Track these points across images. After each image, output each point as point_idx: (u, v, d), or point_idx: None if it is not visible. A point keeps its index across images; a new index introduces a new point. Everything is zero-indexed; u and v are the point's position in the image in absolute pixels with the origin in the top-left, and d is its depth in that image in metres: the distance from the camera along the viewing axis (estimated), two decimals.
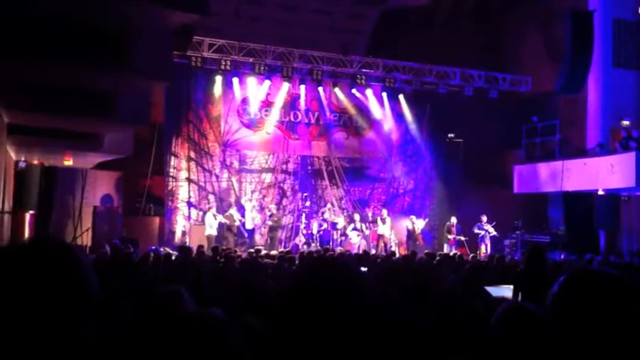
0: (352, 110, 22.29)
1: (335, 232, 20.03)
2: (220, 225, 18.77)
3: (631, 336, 1.56)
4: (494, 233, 19.94)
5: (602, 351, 1.56)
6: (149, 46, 8.63)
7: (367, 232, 20.50)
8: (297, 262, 10.79)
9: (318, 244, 19.42)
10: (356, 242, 19.83)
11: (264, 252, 14.29)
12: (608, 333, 1.57)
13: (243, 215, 19.59)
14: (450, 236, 20.28)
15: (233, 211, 19.33)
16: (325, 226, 19.98)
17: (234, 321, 2.01)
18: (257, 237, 19.81)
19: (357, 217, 20.55)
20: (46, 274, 1.62)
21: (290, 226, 21.08)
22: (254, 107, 21.01)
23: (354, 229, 20.09)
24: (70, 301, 1.62)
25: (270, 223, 19.67)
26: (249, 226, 19.54)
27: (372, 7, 21.57)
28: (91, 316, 1.66)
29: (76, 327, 1.62)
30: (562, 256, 16.06)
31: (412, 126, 22.66)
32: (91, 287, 1.68)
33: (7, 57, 8.08)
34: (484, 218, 19.94)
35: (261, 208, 20.45)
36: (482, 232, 19.83)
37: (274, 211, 19.91)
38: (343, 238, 20.02)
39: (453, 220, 20.36)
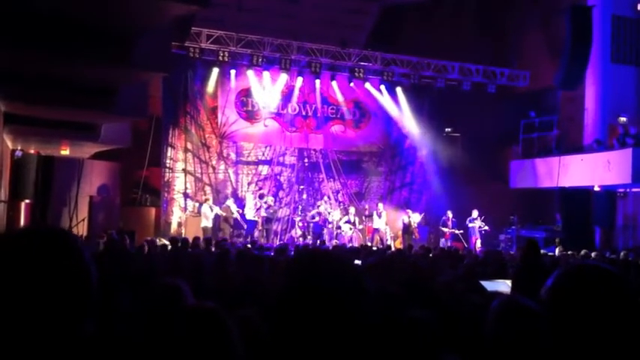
0: (350, 103, 22.28)
1: (326, 226, 20.00)
2: (216, 217, 18.77)
3: (624, 330, 1.57)
4: (486, 227, 19.95)
5: (596, 345, 1.57)
6: (148, 38, 8.60)
7: (360, 226, 20.47)
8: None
9: (311, 235, 19.47)
10: (348, 235, 19.83)
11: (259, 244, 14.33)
12: (602, 327, 1.57)
13: (241, 207, 19.60)
14: (445, 230, 20.33)
15: (230, 202, 19.34)
16: (317, 219, 19.96)
17: (232, 314, 2.02)
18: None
19: (352, 210, 20.56)
20: (46, 262, 1.59)
21: (286, 218, 21.09)
22: (251, 99, 20.97)
23: (347, 221, 20.08)
24: (71, 291, 1.60)
25: (265, 214, 19.66)
26: (250, 216, 19.54)
27: (373, 1, 21.52)
28: (91, 307, 1.64)
29: (77, 318, 1.60)
30: (556, 252, 16.10)
31: (410, 120, 22.62)
32: (91, 277, 1.65)
33: (6, 50, 8.05)
34: (475, 213, 19.94)
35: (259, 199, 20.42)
36: (474, 226, 19.85)
37: (271, 203, 19.91)
38: (338, 230, 20.02)
39: (449, 214, 20.39)
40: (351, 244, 18.37)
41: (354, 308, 1.56)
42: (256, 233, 19.43)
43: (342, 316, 1.54)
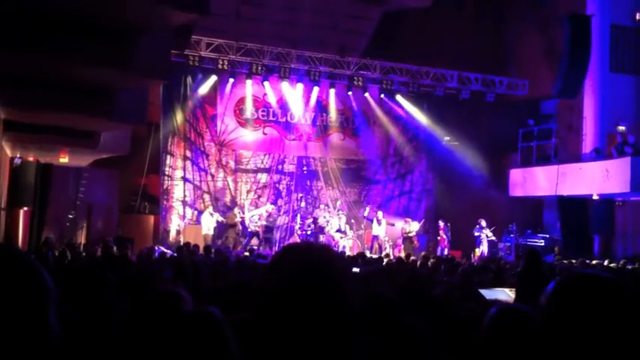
0: (349, 111, 22.30)
1: (324, 234, 19.92)
2: (218, 224, 18.73)
3: (623, 338, 1.57)
4: (493, 238, 19.93)
5: (594, 353, 1.57)
6: (149, 45, 8.64)
7: (352, 233, 20.31)
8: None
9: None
10: (339, 243, 19.70)
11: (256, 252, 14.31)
12: (601, 335, 1.57)
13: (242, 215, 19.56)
14: (438, 238, 20.36)
15: (237, 210, 19.38)
16: (312, 226, 19.89)
17: (230, 318, 2.02)
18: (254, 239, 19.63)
19: (342, 218, 20.37)
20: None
21: (285, 226, 21.04)
22: (251, 107, 20.99)
23: (338, 230, 19.97)
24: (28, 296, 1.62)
25: (265, 223, 19.62)
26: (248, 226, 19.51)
27: (373, 7, 21.54)
28: (51, 308, 1.65)
29: (40, 319, 1.61)
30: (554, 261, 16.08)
31: (408, 128, 22.63)
32: (45, 279, 1.67)
33: (6, 52, 8.08)
34: (483, 222, 19.91)
35: (256, 208, 20.36)
36: (482, 235, 19.81)
37: (271, 211, 19.86)
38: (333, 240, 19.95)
39: (440, 223, 20.40)
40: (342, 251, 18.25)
41: (341, 307, 1.52)
42: (254, 241, 19.34)
43: (326, 315, 1.51)
